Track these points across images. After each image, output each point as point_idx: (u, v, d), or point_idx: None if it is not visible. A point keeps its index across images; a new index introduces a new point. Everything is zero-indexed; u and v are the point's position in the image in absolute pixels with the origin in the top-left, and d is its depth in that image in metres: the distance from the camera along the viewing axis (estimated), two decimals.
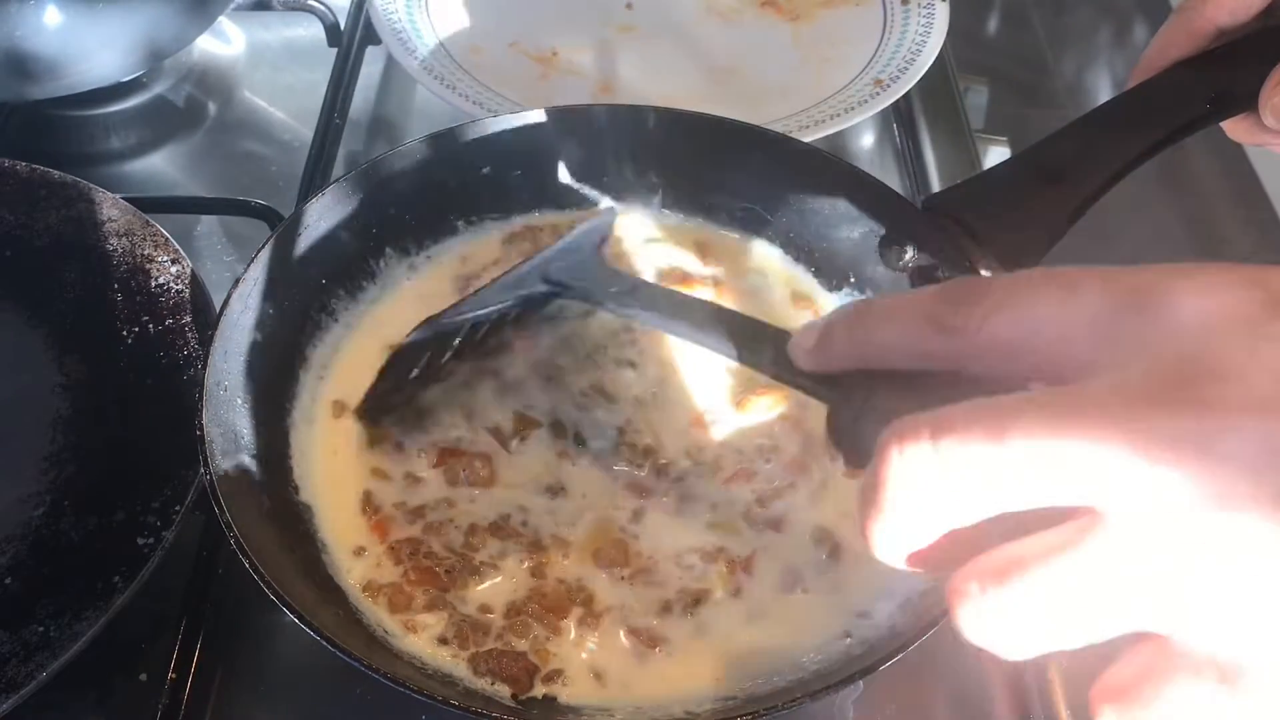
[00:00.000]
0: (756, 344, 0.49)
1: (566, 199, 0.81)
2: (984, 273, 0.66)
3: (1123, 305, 0.33)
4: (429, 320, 0.66)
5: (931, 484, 0.32)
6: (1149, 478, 0.30)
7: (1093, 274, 0.34)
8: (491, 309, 0.67)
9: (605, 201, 0.82)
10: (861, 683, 0.65)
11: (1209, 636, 0.31)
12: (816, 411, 0.70)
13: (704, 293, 0.77)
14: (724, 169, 0.79)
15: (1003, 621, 0.32)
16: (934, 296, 0.37)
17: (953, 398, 0.33)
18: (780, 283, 0.79)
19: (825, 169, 0.77)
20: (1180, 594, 0.31)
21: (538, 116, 0.78)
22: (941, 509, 0.33)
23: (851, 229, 0.75)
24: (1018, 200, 0.65)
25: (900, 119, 1.03)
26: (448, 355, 0.69)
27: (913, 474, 0.33)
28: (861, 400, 0.39)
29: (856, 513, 0.35)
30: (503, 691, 0.59)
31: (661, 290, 0.64)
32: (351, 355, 0.73)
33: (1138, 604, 0.31)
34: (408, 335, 0.66)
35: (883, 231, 0.73)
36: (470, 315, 0.66)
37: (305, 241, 0.71)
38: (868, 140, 1.04)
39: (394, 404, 0.69)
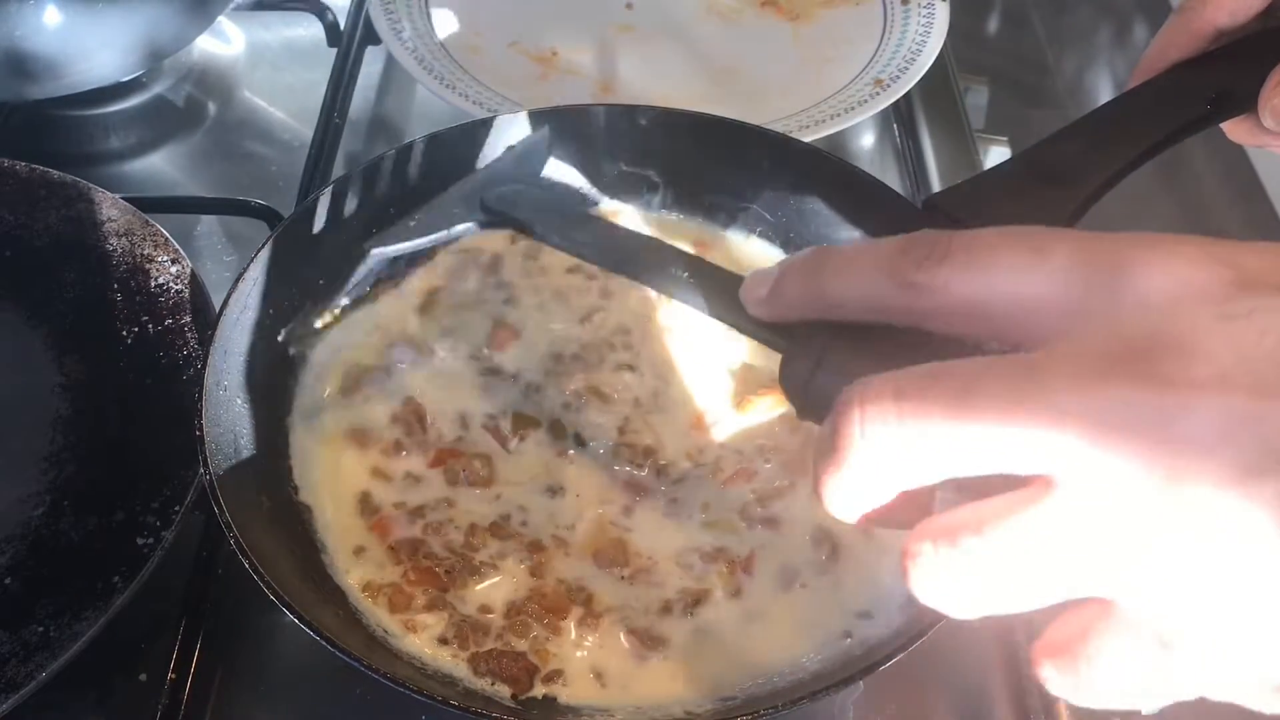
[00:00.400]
0: (712, 289, 0.47)
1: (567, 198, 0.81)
2: None
3: (1091, 274, 0.33)
4: (369, 246, 0.64)
5: (891, 449, 0.33)
6: (1103, 451, 0.30)
7: (1062, 238, 0.34)
8: (430, 239, 0.65)
9: (605, 202, 0.82)
10: (861, 683, 0.65)
11: (1151, 604, 0.31)
12: None
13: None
14: (724, 169, 0.79)
15: (952, 582, 0.33)
16: (895, 248, 0.36)
17: (911, 356, 0.33)
18: None
19: (825, 169, 0.77)
20: (1125, 563, 0.31)
21: (537, 117, 0.78)
22: (898, 472, 0.33)
23: (851, 229, 0.75)
24: (1017, 201, 0.65)
25: (900, 119, 1.03)
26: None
27: (873, 438, 0.33)
28: (817, 353, 0.39)
29: (813, 466, 0.36)
30: (503, 691, 0.58)
31: (611, 227, 0.60)
32: (351, 354, 0.73)
33: (1083, 571, 0.31)
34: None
35: (882, 233, 0.73)
36: (409, 245, 0.64)
37: (304, 242, 0.71)
38: (868, 140, 1.04)
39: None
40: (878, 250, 0.37)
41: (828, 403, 0.35)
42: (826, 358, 0.38)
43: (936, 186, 0.96)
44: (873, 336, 0.37)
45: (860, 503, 0.35)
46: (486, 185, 0.64)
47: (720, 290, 0.46)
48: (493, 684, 0.59)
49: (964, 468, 0.32)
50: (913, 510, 0.34)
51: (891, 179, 0.98)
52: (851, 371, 0.34)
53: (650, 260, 0.51)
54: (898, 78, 0.97)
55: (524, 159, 0.67)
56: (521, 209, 0.61)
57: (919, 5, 1.04)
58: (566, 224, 0.58)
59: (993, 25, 1.28)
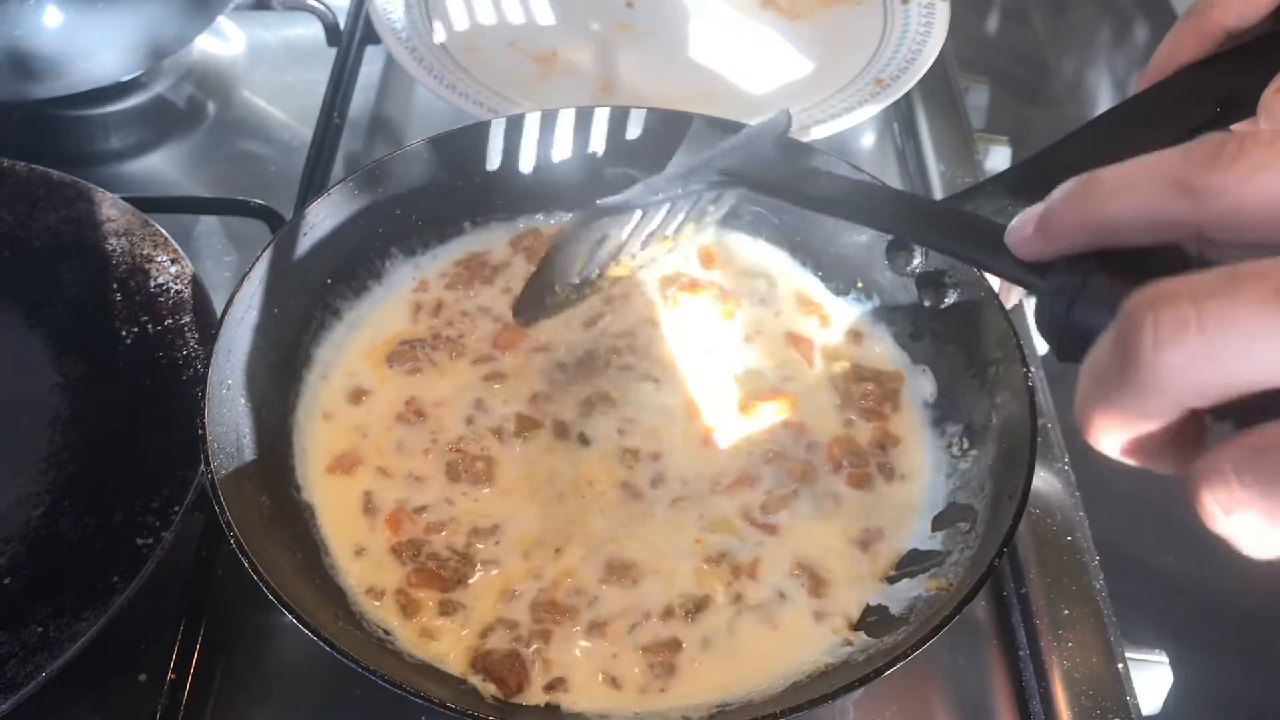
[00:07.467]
0: (952, 229, 0.46)
1: (571, 200, 0.81)
2: (989, 279, 0.66)
3: None
4: (596, 205, 0.60)
5: (1190, 358, 0.30)
6: None
7: None
8: (660, 197, 0.61)
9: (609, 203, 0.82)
10: None
11: None
12: (820, 418, 0.71)
13: (709, 299, 0.77)
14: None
15: (1259, 508, 0.30)
16: (1180, 156, 0.33)
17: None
18: (788, 286, 0.79)
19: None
20: None
21: (541, 118, 0.78)
22: (1195, 386, 0.30)
23: (859, 233, 0.75)
24: (1026, 207, 0.64)
25: (900, 119, 1.03)
26: (604, 266, 0.64)
27: (1169, 346, 0.30)
28: (1076, 286, 0.36)
29: (1078, 396, 0.33)
30: (495, 691, 0.58)
31: (844, 179, 0.56)
32: (355, 354, 0.73)
33: None
34: (570, 220, 0.61)
35: (890, 236, 0.73)
36: (635, 201, 0.61)
37: (310, 241, 0.71)
38: (868, 140, 1.04)
39: (547, 305, 0.64)
40: (1157, 159, 0.34)
41: (1087, 337, 0.33)
42: (1086, 288, 0.36)
43: (936, 185, 0.96)
44: (1134, 262, 0.34)
45: (1136, 425, 0.32)
46: (726, 154, 0.62)
47: (964, 229, 0.45)
48: (484, 681, 0.59)
49: (1277, 377, 0.29)
50: (1186, 443, 0.32)
51: (891, 178, 0.98)
52: (1114, 299, 0.32)
53: (887, 207, 0.51)
54: (898, 78, 0.97)
55: (763, 132, 0.64)
56: (759, 168, 0.59)
57: (919, 5, 1.04)
58: (799, 178, 0.56)
59: (993, 25, 1.28)
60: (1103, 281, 0.36)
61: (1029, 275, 0.40)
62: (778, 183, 0.57)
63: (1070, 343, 0.36)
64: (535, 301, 0.63)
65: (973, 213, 0.47)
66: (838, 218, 0.55)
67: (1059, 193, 0.37)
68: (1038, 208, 0.38)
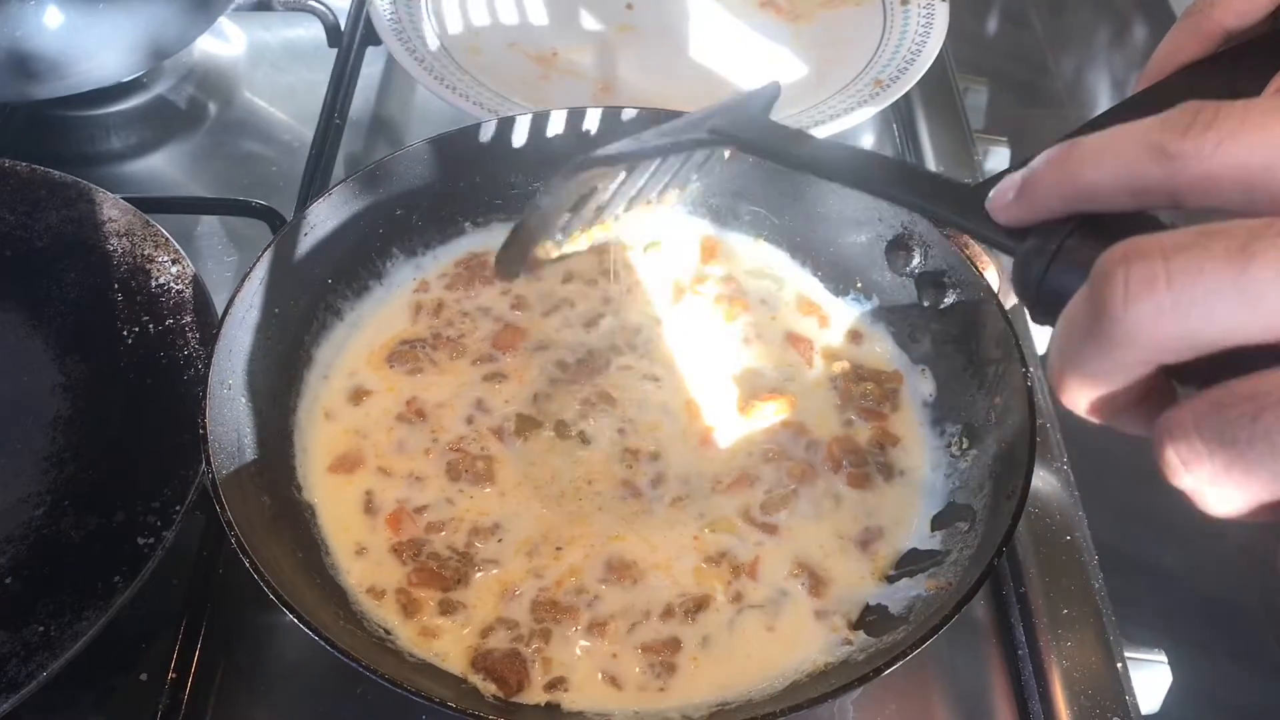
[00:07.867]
0: (936, 193, 0.46)
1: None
2: (989, 279, 0.66)
3: None
4: (584, 157, 0.59)
5: (1160, 314, 0.30)
6: None
7: None
8: (647, 147, 0.60)
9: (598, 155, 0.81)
10: None
11: None
12: (819, 418, 0.71)
13: (710, 300, 0.78)
14: (733, 172, 0.79)
15: (1217, 462, 0.30)
16: (1157, 123, 0.34)
17: None
18: (788, 287, 0.79)
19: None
20: None
21: (543, 119, 0.78)
22: (1165, 342, 0.30)
23: (859, 234, 0.75)
24: None
25: (900, 119, 1.03)
26: (587, 224, 0.63)
27: (1139, 301, 0.30)
28: (1054, 249, 0.37)
29: (1051, 352, 0.34)
30: (496, 691, 0.58)
31: (828, 143, 0.58)
32: (356, 354, 0.74)
33: None
34: (557, 173, 0.60)
35: (890, 237, 0.73)
36: (625, 153, 0.60)
37: (311, 241, 0.71)
38: (868, 140, 1.04)
39: (528, 260, 0.63)
40: (1135, 127, 0.34)
41: (1063, 298, 0.34)
42: (1063, 250, 0.37)
43: None
44: (1110, 228, 0.35)
45: (1106, 381, 0.32)
46: (718, 114, 0.61)
47: (948, 194, 0.45)
48: (485, 680, 0.59)
49: (1243, 333, 0.30)
50: (1153, 401, 0.32)
51: None
52: (1090, 261, 0.32)
53: (870, 171, 0.51)
54: (898, 78, 0.97)
55: (755, 96, 0.63)
56: (748, 130, 0.59)
57: (919, 5, 1.04)
58: (786, 141, 0.56)
59: (992, 25, 1.28)
60: (1079, 244, 0.36)
61: (1008, 239, 0.40)
62: (765, 142, 0.57)
63: (1046, 304, 0.36)
64: (517, 256, 0.62)
65: (948, 177, 0.48)
66: (820, 177, 0.54)
67: (1041, 158, 0.37)
68: (1019, 173, 0.38)
